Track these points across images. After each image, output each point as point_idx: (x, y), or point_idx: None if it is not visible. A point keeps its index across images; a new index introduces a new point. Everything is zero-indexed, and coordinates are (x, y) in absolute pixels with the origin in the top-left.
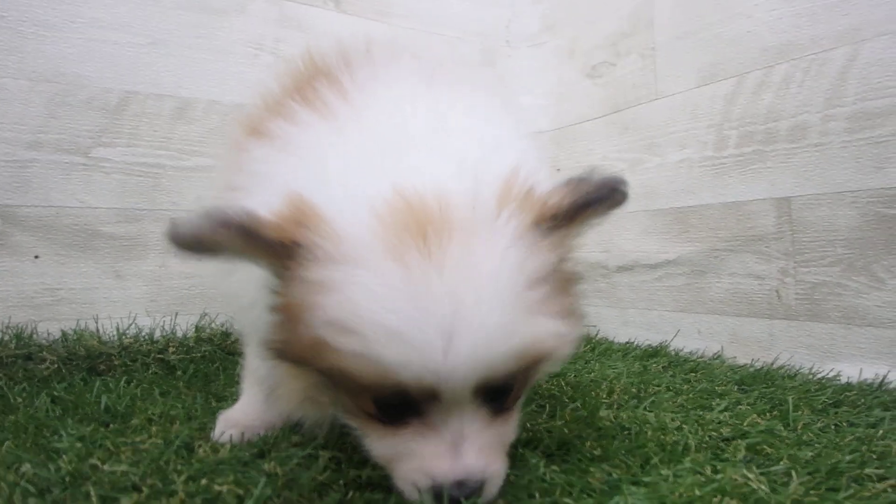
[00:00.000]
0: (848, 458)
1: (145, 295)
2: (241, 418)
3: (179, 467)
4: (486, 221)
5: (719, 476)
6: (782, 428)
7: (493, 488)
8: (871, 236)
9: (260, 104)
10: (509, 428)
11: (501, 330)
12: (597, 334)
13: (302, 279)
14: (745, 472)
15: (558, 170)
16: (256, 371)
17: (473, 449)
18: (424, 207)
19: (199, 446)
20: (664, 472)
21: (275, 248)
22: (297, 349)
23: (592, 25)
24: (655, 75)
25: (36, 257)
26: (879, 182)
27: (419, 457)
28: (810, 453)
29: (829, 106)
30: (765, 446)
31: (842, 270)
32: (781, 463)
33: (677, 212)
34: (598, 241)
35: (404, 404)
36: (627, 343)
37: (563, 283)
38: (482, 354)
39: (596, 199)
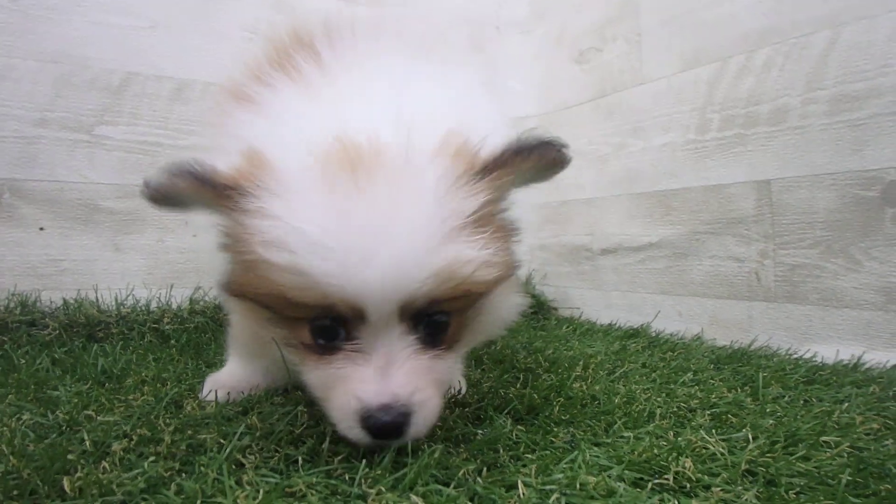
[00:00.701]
0: (808, 425)
1: (143, 268)
2: (227, 380)
3: (168, 420)
4: (414, 165)
5: (679, 440)
6: (750, 401)
7: (422, 421)
8: (849, 218)
9: (243, 71)
10: (445, 366)
11: (418, 249)
12: (580, 316)
13: (244, 210)
14: (704, 435)
15: None
16: (241, 334)
17: (401, 373)
18: (357, 150)
19: (188, 403)
20: (625, 434)
21: (222, 190)
22: (240, 278)
23: (580, 11)
24: (641, 60)
25: (41, 229)
26: (857, 164)
27: (349, 381)
28: (772, 421)
29: (809, 89)
30: (730, 416)
31: (820, 253)
32: (743, 430)
33: (660, 195)
34: (582, 224)
35: (336, 328)
36: (610, 324)
37: (491, 227)
38: (401, 271)
39: (526, 148)
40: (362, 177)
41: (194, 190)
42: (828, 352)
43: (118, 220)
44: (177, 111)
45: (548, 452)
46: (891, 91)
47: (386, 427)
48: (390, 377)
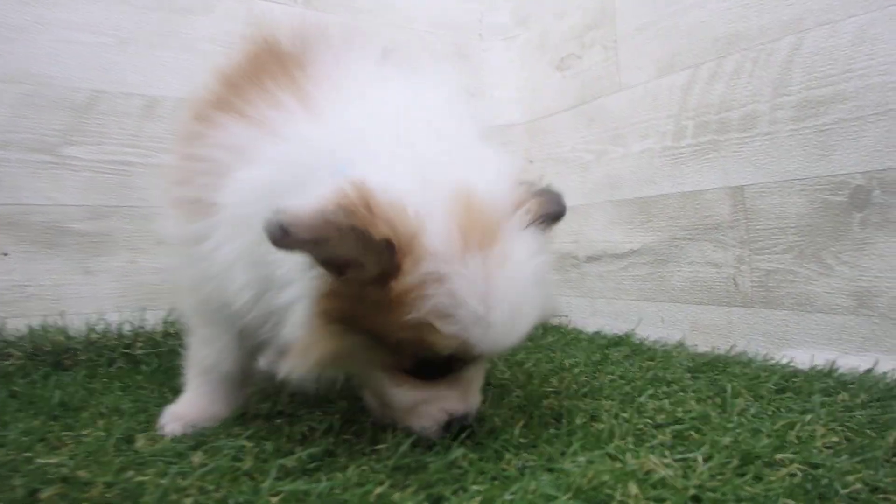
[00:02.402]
0: (764, 442)
1: (114, 291)
2: (185, 412)
3: (113, 459)
4: (517, 219)
5: (633, 462)
6: (716, 415)
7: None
8: (820, 223)
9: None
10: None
11: (531, 310)
12: (568, 324)
13: (409, 272)
14: (654, 458)
15: (531, 161)
16: (204, 360)
17: (475, 390)
18: (486, 207)
19: (140, 438)
20: (580, 458)
21: (381, 248)
22: (370, 317)
23: (560, 18)
24: (618, 67)
25: (5, 255)
26: (825, 169)
27: (442, 400)
28: (729, 439)
29: (776, 95)
30: (692, 432)
31: (793, 257)
32: (702, 449)
33: (640, 202)
34: (567, 231)
35: (448, 365)
36: (596, 332)
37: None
38: (518, 330)
39: (560, 211)
40: (496, 241)
41: (351, 242)
42: (803, 357)
43: (88, 242)
44: (147, 129)
45: (496, 482)
46: (854, 96)
47: (462, 428)
48: (470, 397)
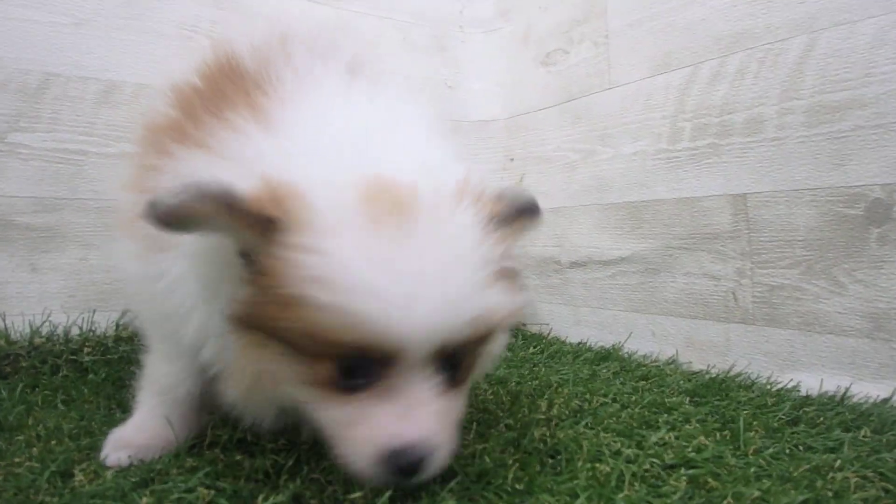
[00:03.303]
0: (800, 499)
1: (63, 290)
2: (133, 437)
3: (47, 499)
4: (448, 207)
5: None
6: (731, 454)
7: (438, 462)
8: (832, 237)
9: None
10: (459, 403)
11: (461, 296)
12: (549, 333)
13: (283, 244)
14: None
15: (511, 159)
16: (161, 379)
17: (427, 414)
18: (397, 190)
19: (79, 470)
20: None
21: (255, 220)
22: (263, 311)
23: (546, 12)
24: (609, 64)
25: None
26: (839, 180)
27: (374, 419)
28: (758, 491)
29: (785, 98)
30: (709, 478)
31: (801, 273)
32: (725, 502)
33: (631, 206)
34: (550, 234)
35: (365, 367)
36: (580, 344)
37: (507, 274)
38: (443, 317)
39: (528, 210)
40: (405, 218)
41: (221, 216)
42: (812, 381)
43: (35, 237)
44: (104, 115)
45: None
46: (874, 102)
47: (409, 466)
48: (416, 418)
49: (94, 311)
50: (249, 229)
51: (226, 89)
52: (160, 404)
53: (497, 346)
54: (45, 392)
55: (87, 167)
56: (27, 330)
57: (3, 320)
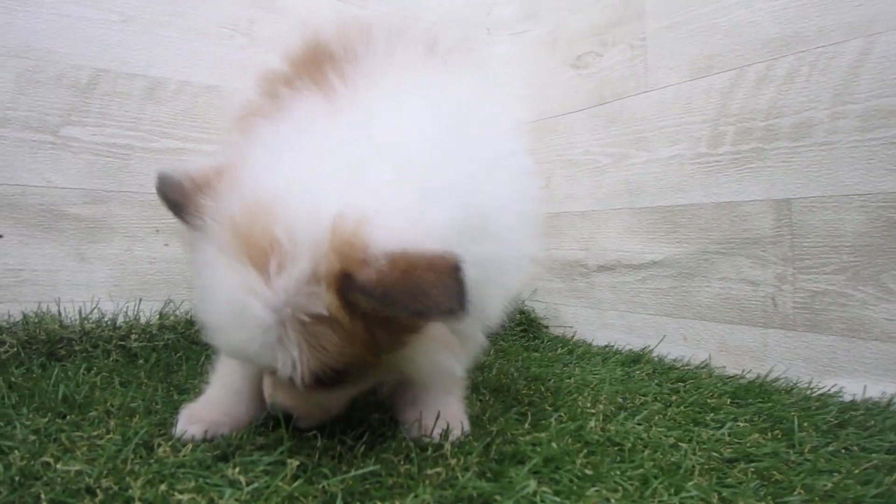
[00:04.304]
0: (873, 492)
1: (109, 279)
2: (205, 413)
3: (137, 468)
4: (281, 252)
5: None
6: (788, 450)
7: (304, 422)
8: (881, 243)
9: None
10: (338, 395)
11: (248, 348)
12: (573, 336)
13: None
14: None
15: (538, 163)
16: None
17: (280, 394)
18: (255, 224)
19: (159, 445)
20: (667, 498)
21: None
22: None
23: (576, 14)
24: (646, 66)
25: (0, 236)
26: (892, 185)
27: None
28: (828, 483)
29: (838, 103)
30: (774, 472)
31: (846, 279)
32: (796, 493)
33: (665, 210)
34: (577, 238)
35: None
36: (607, 347)
37: (332, 332)
38: (235, 349)
39: (402, 308)
40: (233, 257)
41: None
42: (854, 387)
43: (84, 228)
44: (149, 111)
45: None
46: None
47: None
48: (276, 394)
49: (140, 300)
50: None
51: (312, 70)
52: (231, 383)
53: (412, 361)
54: (104, 374)
55: (133, 161)
56: (77, 316)
57: (58, 305)
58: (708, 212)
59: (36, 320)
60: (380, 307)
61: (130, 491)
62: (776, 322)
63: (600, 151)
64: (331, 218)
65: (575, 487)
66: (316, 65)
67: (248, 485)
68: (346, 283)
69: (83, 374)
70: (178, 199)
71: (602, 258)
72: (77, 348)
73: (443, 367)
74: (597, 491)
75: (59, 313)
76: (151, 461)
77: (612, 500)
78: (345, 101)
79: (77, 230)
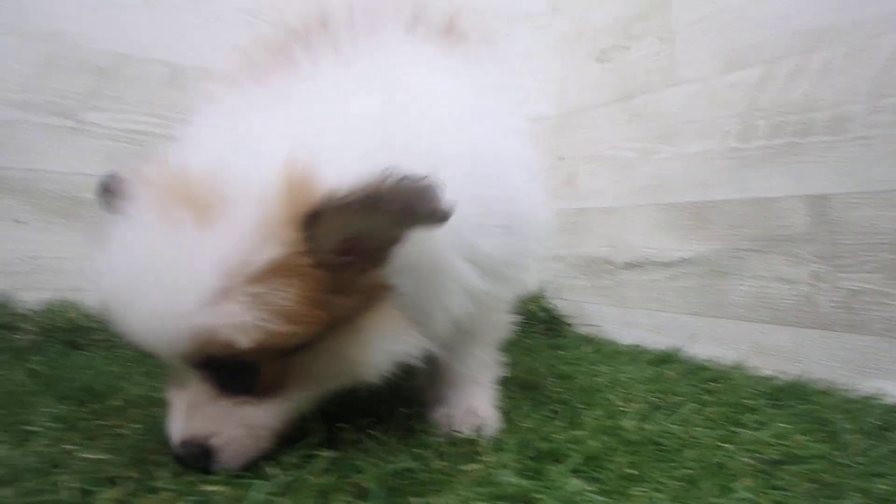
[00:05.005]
0: None
1: None
2: None
3: (161, 458)
4: (217, 205)
5: None
6: (836, 452)
7: (228, 459)
8: None
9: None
10: (261, 413)
11: (171, 306)
12: (599, 334)
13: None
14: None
15: (561, 158)
16: None
17: (199, 416)
18: (180, 181)
19: None
20: (715, 499)
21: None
22: None
23: (601, 7)
24: (673, 60)
25: (17, 221)
26: None
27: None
28: (884, 486)
29: (876, 96)
30: (823, 474)
31: (886, 277)
32: (851, 497)
33: (694, 206)
34: (602, 234)
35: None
36: (634, 346)
37: (303, 278)
38: (157, 325)
39: (374, 195)
40: (154, 220)
41: None
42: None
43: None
44: (169, 98)
45: None
46: None
47: (184, 463)
48: (191, 416)
49: None
50: None
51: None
52: None
53: (357, 352)
54: (126, 364)
55: (152, 148)
56: (96, 305)
57: (77, 294)
58: (739, 208)
59: (55, 308)
60: (359, 218)
61: (156, 481)
62: (812, 322)
63: (626, 146)
64: (280, 159)
65: (620, 487)
66: (292, 41)
67: (274, 478)
68: (314, 212)
69: (103, 363)
70: (112, 189)
71: (629, 255)
72: (97, 338)
73: (394, 356)
74: (643, 491)
75: (79, 301)
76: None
77: (657, 499)
78: (312, 70)
79: (97, 217)
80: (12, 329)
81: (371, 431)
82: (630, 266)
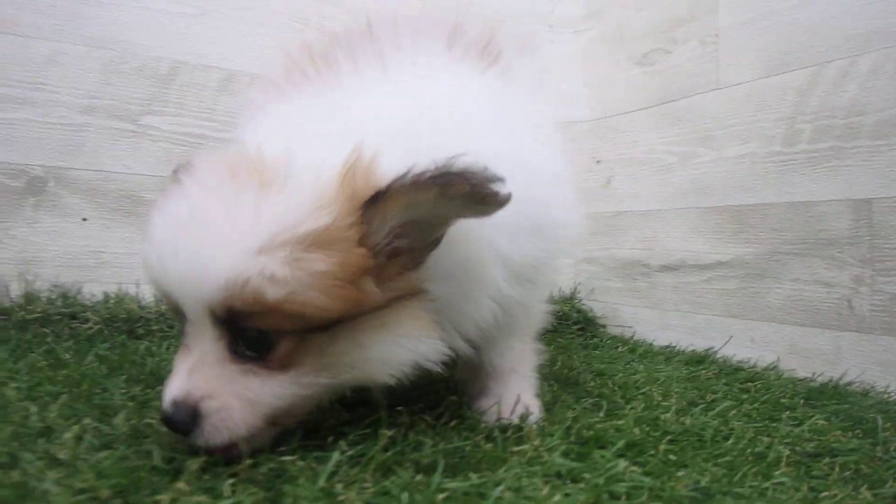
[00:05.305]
0: None
1: None
2: None
3: None
4: (269, 177)
5: (824, 494)
6: (874, 447)
7: (212, 429)
8: None
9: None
10: (265, 386)
11: (213, 254)
12: (633, 336)
13: None
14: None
15: (598, 161)
16: None
17: (200, 375)
18: (238, 159)
19: None
20: (755, 483)
21: None
22: None
23: (642, 12)
24: (717, 64)
25: (83, 220)
26: None
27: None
28: None
29: None
30: (861, 466)
31: None
32: (888, 486)
33: (734, 210)
34: (638, 237)
35: (181, 323)
36: (668, 347)
37: (338, 253)
38: (195, 273)
39: (424, 179)
40: (215, 183)
41: None
42: None
43: None
44: (223, 102)
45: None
46: None
47: (169, 422)
48: (191, 376)
49: None
50: None
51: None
52: None
53: (373, 347)
54: None
55: (207, 150)
56: (152, 298)
57: (137, 287)
58: (780, 211)
59: (116, 300)
60: (424, 199)
61: None
62: (851, 325)
63: (666, 150)
64: (341, 148)
65: (663, 470)
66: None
67: (343, 452)
68: (379, 193)
69: (165, 352)
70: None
71: (665, 258)
72: (154, 328)
73: (413, 358)
74: (686, 474)
75: (138, 295)
76: None
77: (702, 482)
78: (354, 76)
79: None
80: (79, 319)
81: (423, 416)
82: (666, 269)
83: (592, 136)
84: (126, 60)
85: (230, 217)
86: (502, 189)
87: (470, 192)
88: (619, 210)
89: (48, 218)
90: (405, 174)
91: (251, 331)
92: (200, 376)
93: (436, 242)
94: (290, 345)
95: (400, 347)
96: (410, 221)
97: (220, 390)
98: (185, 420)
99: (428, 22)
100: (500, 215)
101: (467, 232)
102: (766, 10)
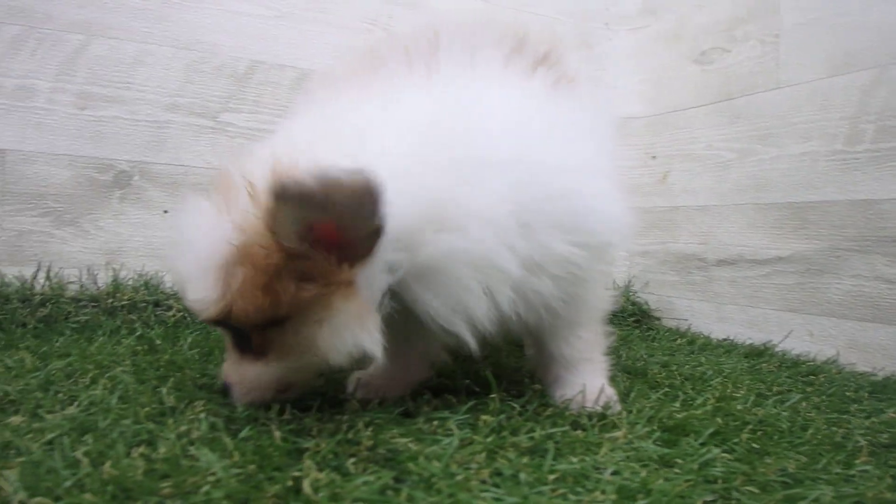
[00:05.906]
0: None
1: None
2: (373, 378)
3: (326, 426)
4: (224, 196)
5: None
6: None
7: (236, 395)
8: None
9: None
10: (255, 370)
11: (186, 277)
12: (688, 328)
13: None
14: None
15: (653, 157)
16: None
17: (227, 364)
18: (223, 178)
19: (346, 401)
20: (840, 471)
21: None
22: None
23: (700, 9)
24: (777, 63)
25: (165, 212)
26: None
27: None
28: None
29: None
30: None
31: None
32: None
33: (794, 207)
34: (694, 232)
35: None
36: (726, 339)
37: (253, 264)
38: (183, 290)
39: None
40: (194, 206)
41: None
42: None
43: None
44: (297, 99)
45: (767, 487)
46: None
47: (223, 392)
48: (225, 364)
49: None
50: None
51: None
52: (396, 349)
53: (323, 337)
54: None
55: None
56: None
57: None
58: (842, 209)
59: None
60: (306, 210)
61: (357, 433)
62: None
63: (724, 146)
64: (345, 150)
65: (748, 457)
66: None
67: (451, 436)
68: (275, 195)
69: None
70: None
71: (722, 252)
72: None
73: (353, 346)
74: (772, 461)
75: None
76: (345, 415)
77: (790, 469)
78: (394, 79)
79: None
80: (163, 307)
81: (511, 403)
82: (723, 263)
83: (648, 132)
84: (207, 60)
85: (197, 240)
86: (376, 214)
87: (345, 211)
88: (675, 205)
89: (133, 210)
90: (281, 189)
91: (235, 330)
92: (227, 365)
93: (376, 233)
94: (258, 338)
95: (340, 337)
96: (315, 226)
97: (232, 374)
98: (224, 391)
99: (492, 35)
100: (504, 211)
101: (463, 227)
102: (830, 11)
